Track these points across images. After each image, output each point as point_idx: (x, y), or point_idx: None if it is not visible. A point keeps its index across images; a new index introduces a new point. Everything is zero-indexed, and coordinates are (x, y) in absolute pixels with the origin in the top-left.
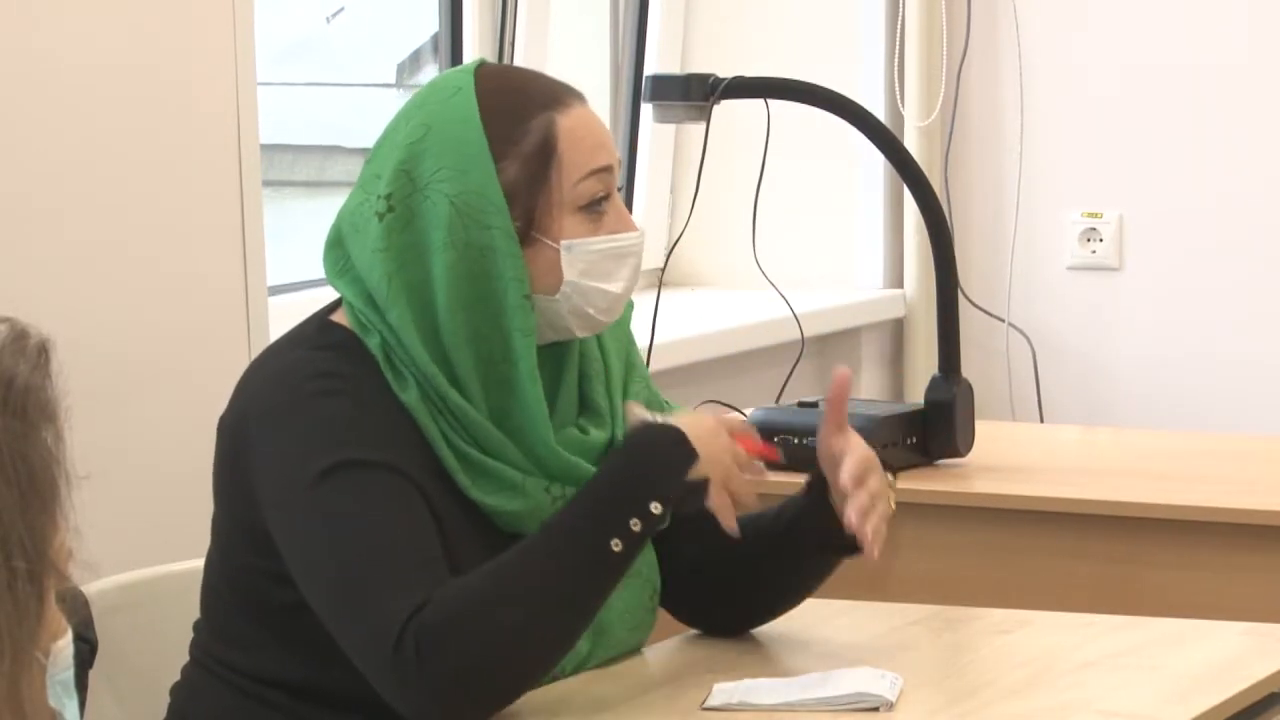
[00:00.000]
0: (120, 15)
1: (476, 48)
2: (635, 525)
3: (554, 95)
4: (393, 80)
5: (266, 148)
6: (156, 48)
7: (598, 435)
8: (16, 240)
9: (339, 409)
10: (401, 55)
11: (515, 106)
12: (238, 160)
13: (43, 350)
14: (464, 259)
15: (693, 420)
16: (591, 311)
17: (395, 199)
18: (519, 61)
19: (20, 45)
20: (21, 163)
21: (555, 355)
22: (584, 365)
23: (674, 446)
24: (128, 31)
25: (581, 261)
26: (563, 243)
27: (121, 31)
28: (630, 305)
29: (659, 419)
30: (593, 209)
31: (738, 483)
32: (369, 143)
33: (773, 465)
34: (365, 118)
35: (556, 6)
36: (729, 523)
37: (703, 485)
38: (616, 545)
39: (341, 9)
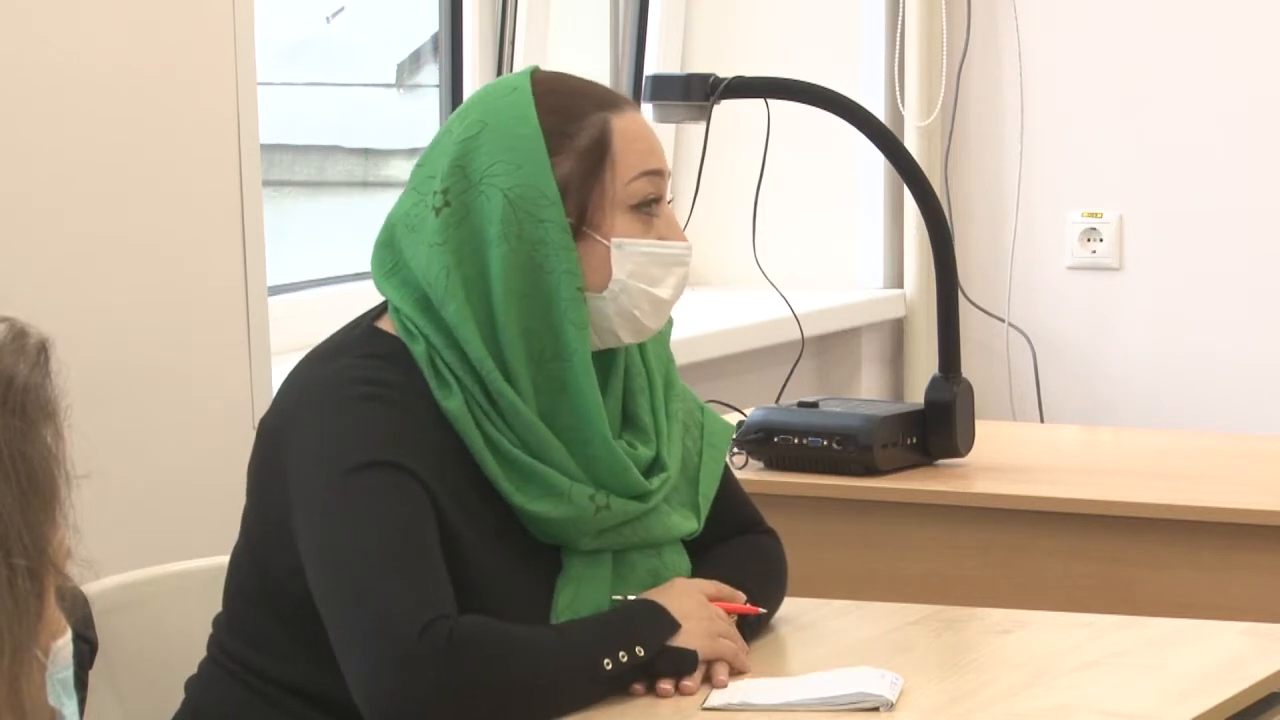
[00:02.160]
0: (120, 15)
1: (476, 48)
2: (623, 657)
3: (609, 98)
4: (393, 80)
5: (266, 148)
6: (157, 47)
7: (644, 451)
8: (17, 240)
9: (381, 413)
10: (401, 55)
11: (571, 104)
12: (238, 160)
13: (42, 349)
14: (517, 252)
15: (678, 596)
16: (638, 314)
17: (451, 194)
18: (519, 62)
19: (21, 45)
20: (22, 162)
21: (601, 370)
22: (629, 380)
23: (659, 614)
24: (128, 31)
25: (631, 261)
26: (614, 240)
27: (122, 31)
28: (670, 321)
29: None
30: (643, 210)
31: (724, 651)
32: (369, 143)
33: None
34: (365, 118)
35: (556, 6)
36: (718, 680)
37: (691, 654)
38: (608, 664)
39: (341, 9)
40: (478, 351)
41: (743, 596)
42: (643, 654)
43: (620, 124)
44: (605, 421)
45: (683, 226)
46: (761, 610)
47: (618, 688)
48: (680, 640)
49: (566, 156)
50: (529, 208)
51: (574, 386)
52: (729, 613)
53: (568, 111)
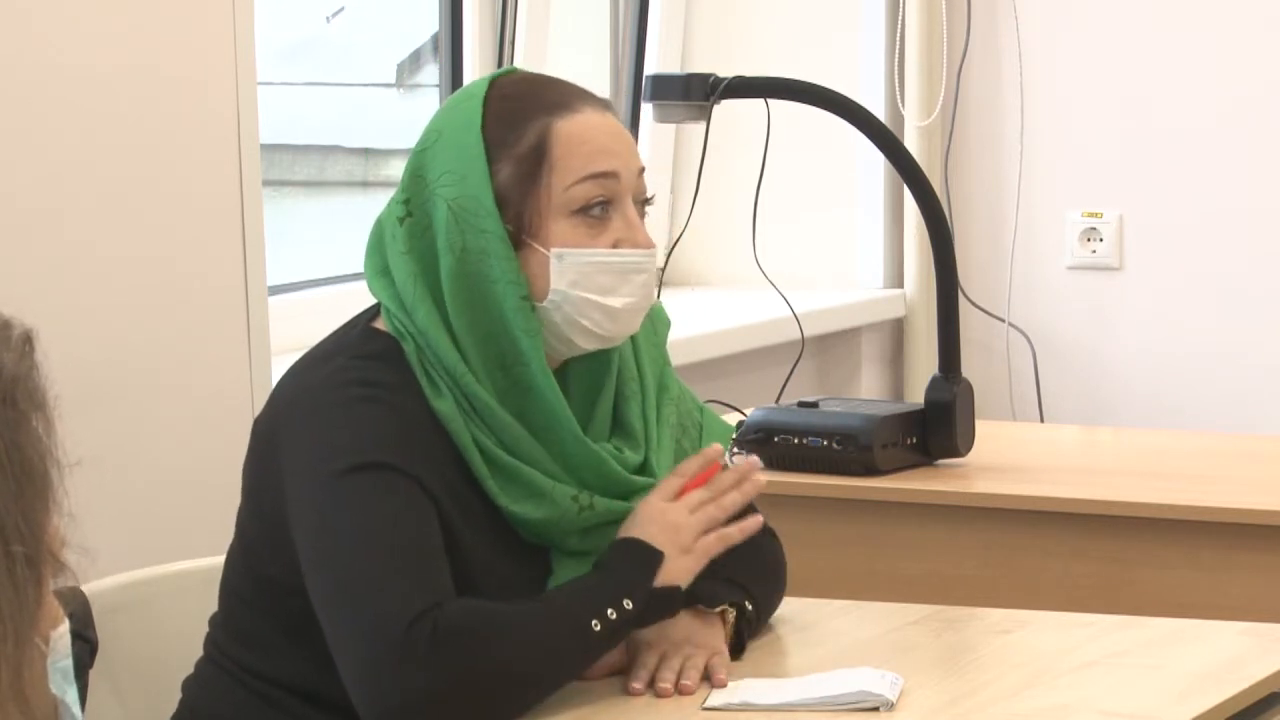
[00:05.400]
0: (121, 15)
1: (476, 48)
2: (612, 614)
3: (561, 101)
4: (393, 80)
5: (266, 148)
6: (157, 47)
7: (632, 456)
8: (17, 239)
9: (376, 414)
10: (401, 55)
11: (516, 111)
12: (238, 160)
13: (26, 340)
14: (462, 262)
15: (643, 525)
16: (587, 324)
17: (413, 204)
18: (519, 62)
19: (21, 45)
20: (22, 162)
21: (592, 374)
22: (620, 385)
23: (638, 550)
24: (128, 31)
25: (573, 272)
26: (553, 250)
27: (122, 31)
28: (667, 324)
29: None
30: (589, 215)
31: (710, 550)
32: (369, 143)
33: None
34: (365, 118)
35: (556, 6)
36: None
37: (675, 590)
38: (596, 625)
39: (341, 9)
40: (449, 356)
41: (714, 452)
42: (631, 606)
43: (565, 128)
44: (573, 419)
45: (683, 226)
46: (725, 459)
47: (613, 646)
48: (666, 569)
49: (505, 164)
50: (469, 218)
51: (536, 390)
52: (706, 481)
53: (511, 118)
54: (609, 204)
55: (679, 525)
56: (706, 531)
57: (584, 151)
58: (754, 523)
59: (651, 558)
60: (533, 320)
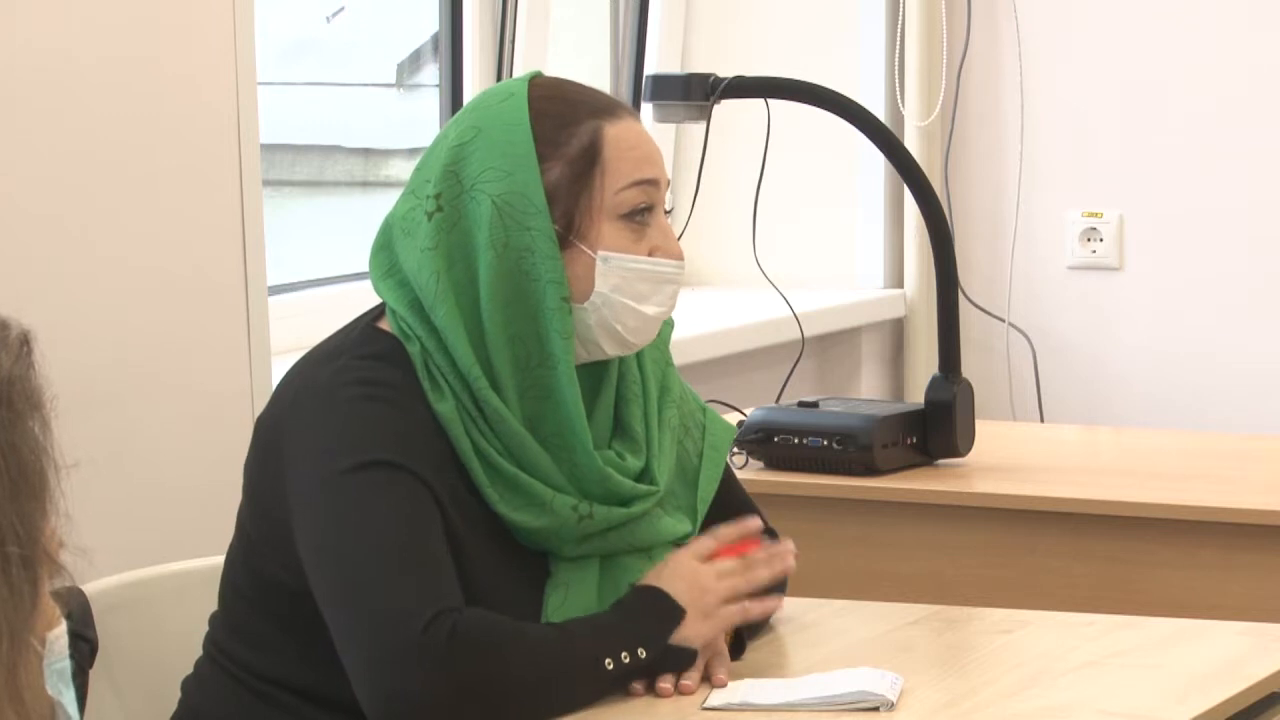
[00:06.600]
0: (121, 15)
1: (477, 48)
2: (625, 657)
3: (605, 106)
4: (393, 80)
5: (266, 148)
6: (157, 47)
7: (633, 462)
8: (17, 239)
9: (378, 413)
10: (401, 55)
11: (564, 112)
12: (238, 160)
13: (24, 342)
14: (503, 259)
15: (671, 579)
16: (620, 329)
17: (444, 199)
18: (519, 62)
19: (21, 45)
20: (22, 162)
21: (593, 375)
22: (622, 387)
23: (662, 604)
24: (128, 31)
25: (616, 275)
26: (600, 253)
27: (122, 31)
28: (670, 324)
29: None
30: (634, 220)
31: (730, 620)
32: (369, 143)
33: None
34: (365, 118)
35: (556, 6)
36: (717, 680)
37: (690, 653)
38: (609, 664)
39: (341, 9)
40: (465, 358)
41: (754, 525)
42: (644, 655)
43: (613, 132)
44: (587, 430)
45: (683, 226)
46: (765, 535)
47: (619, 687)
48: (683, 627)
49: (556, 164)
50: (516, 215)
51: (558, 394)
52: (741, 553)
53: (560, 119)
54: (649, 211)
55: (705, 588)
56: (730, 600)
57: (633, 157)
58: (775, 604)
59: (673, 613)
60: (569, 322)
